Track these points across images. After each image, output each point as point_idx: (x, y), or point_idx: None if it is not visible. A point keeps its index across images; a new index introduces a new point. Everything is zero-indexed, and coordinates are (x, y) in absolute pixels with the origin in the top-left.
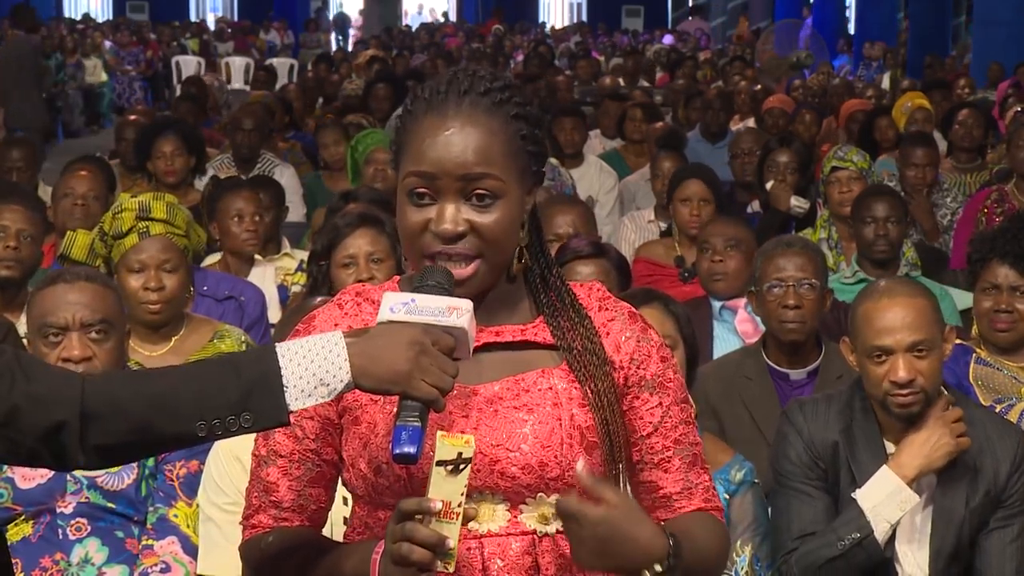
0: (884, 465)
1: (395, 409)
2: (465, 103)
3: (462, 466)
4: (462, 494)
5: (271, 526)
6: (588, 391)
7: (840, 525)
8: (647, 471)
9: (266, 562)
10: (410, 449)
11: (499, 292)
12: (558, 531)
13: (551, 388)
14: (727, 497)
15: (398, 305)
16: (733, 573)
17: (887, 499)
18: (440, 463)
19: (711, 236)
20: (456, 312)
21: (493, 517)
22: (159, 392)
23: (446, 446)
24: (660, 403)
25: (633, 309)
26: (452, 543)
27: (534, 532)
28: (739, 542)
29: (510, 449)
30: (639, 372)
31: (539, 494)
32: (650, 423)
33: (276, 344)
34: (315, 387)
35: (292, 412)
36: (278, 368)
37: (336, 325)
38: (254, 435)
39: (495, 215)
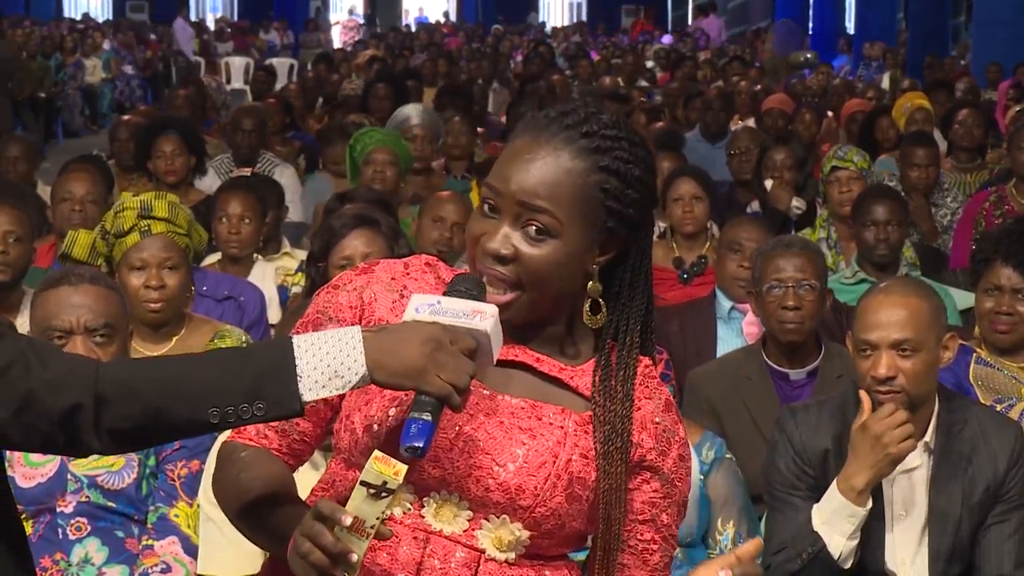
0: (836, 478)
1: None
2: (560, 136)
3: (384, 494)
4: (378, 518)
5: (250, 439)
6: (597, 447)
7: (800, 539)
8: (627, 554)
9: (229, 471)
10: (418, 443)
11: (557, 330)
12: (508, 561)
13: (562, 428)
14: (702, 477)
15: (423, 306)
16: (718, 551)
17: (834, 514)
18: (364, 484)
19: (742, 239)
20: (480, 315)
21: (453, 521)
22: (173, 377)
23: (374, 471)
24: (666, 496)
25: (671, 397)
26: (355, 559)
27: (483, 552)
28: (720, 520)
29: (496, 463)
30: (657, 460)
31: (504, 516)
32: (649, 511)
33: (293, 335)
34: (329, 378)
35: (306, 403)
36: (293, 358)
37: (394, 278)
38: None
39: (544, 251)
